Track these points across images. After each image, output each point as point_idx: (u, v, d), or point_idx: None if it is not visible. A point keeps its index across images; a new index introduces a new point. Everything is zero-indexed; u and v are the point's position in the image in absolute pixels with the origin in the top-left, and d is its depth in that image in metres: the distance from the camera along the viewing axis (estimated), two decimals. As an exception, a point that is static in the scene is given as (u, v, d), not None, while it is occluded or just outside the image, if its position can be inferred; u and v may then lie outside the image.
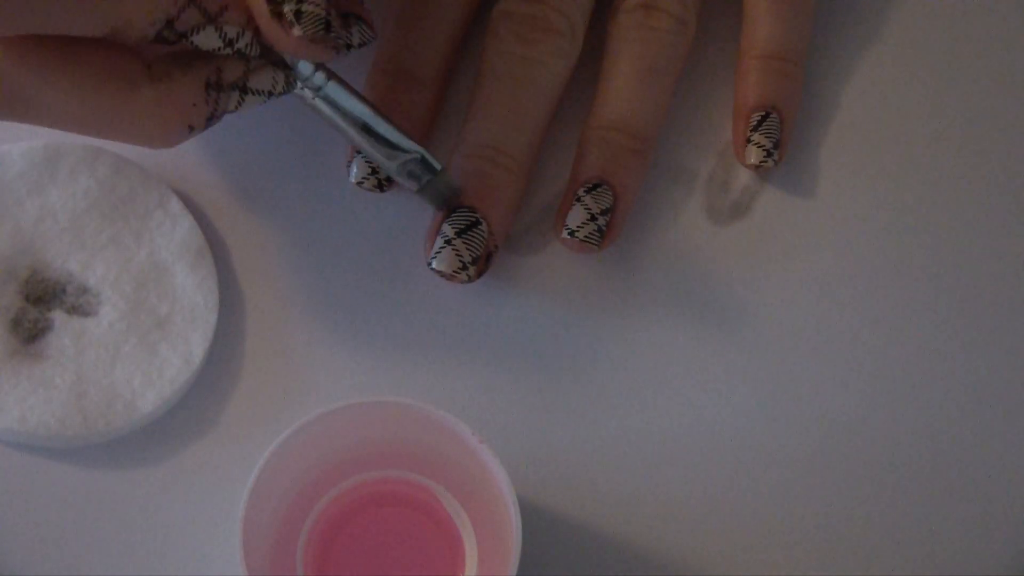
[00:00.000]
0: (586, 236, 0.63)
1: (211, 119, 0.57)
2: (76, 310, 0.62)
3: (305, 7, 0.55)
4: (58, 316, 0.62)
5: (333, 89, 0.59)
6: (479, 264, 0.62)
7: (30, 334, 0.62)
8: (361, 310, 0.64)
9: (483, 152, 0.63)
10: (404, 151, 0.61)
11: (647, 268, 0.65)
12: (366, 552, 0.60)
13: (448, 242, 0.62)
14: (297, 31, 0.55)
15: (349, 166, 0.63)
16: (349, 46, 0.58)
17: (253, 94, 0.57)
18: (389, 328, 0.64)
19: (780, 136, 0.65)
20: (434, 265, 0.62)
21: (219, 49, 0.56)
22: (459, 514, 0.60)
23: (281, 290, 0.64)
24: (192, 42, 0.55)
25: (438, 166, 0.61)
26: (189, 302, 0.62)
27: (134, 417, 0.61)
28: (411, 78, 0.64)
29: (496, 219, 0.63)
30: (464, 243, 0.62)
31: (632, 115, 0.64)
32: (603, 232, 0.63)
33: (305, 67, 0.58)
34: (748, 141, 0.65)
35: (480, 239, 0.62)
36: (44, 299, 0.62)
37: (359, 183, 0.63)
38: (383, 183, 0.63)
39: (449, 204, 0.62)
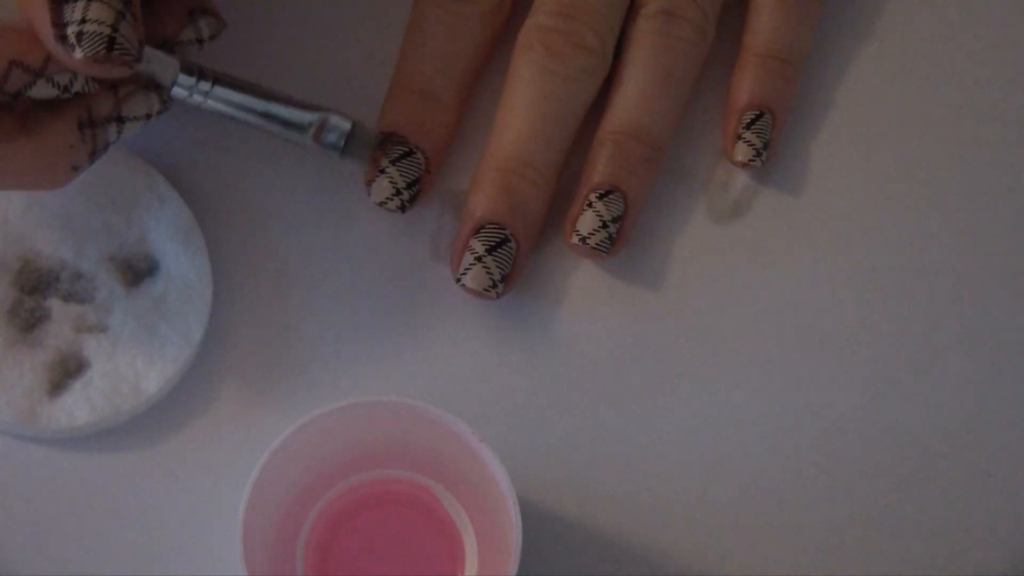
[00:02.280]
0: (597, 244, 0.63)
1: (94, 154, 0.58)
2: (72, 297, 0.62)
3: (87, 27, 0.54)
4: (55, 304, 0.62)
5: (220, 92, 0.59)
6: (507, 282, 0.62)
7: (27, 323, 0.62)
8: (360, 308, 0.64)
9: (512, 166, 0.63)
10: (308, 123, 0.61)
11: (647, 267, 0.65)
12: (366, 552, 0.60)
13: (478, 259, 0.62)
14: (78, 53, 0.54)
15: (369, 186, 0.63)
16: (200, 40, 0.59)
17: (131, 121, 0.58)
18: (389, 327, 0.64)
19: (770, 137, 0.65)
20: (465, 282, 0.62)
21: (59, 95, 0.56)
22: (459, 514, 0.60)
23: (275, 273, 0.64)
24: (30, 96, 0.56)
25: (349, 124, 0.62)
26: (183, 280, 0.63)
27: (140, 399, 0.61)
28: (432, 98, 0.64)
29: (524, 235, 0.63)
30: (494, 260, 0.62)
31: (648, 122, 0.64)
32: (613, 239, 0.63)
33: (184, 78, 0.59)
34: (739, 138, 0.65)
35: (509, 256, 0.62)
36: (39, 288, 0.62)
37: (382, 203, 0.63)
38: (405, 204, 0.63)
39: (375, 154, 0.63)
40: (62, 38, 0.54)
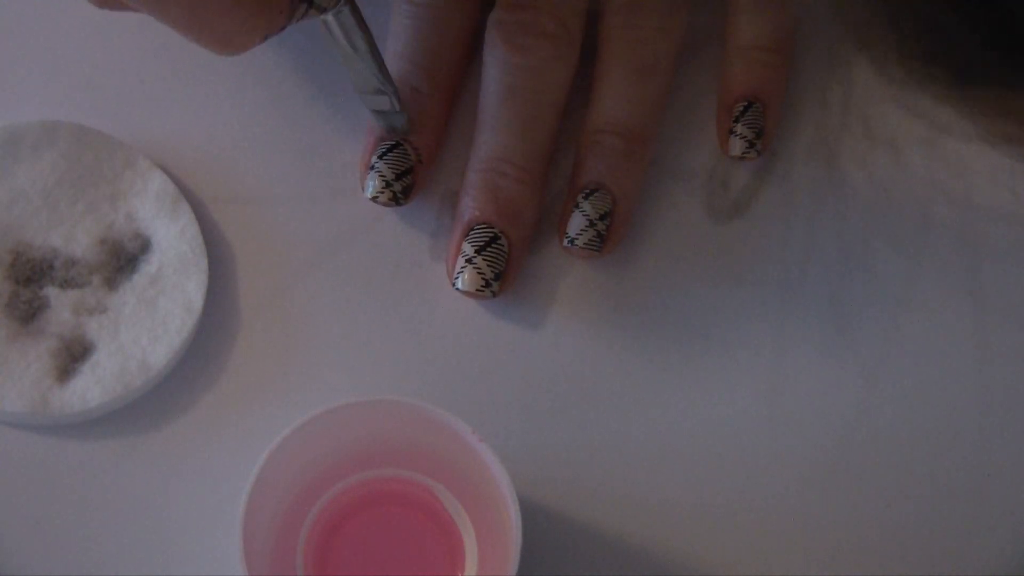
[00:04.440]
0: (586, 243, 0.63)
1: (283, 26, 0.55)
2: (68, 283, 0.63)
3: None
4: (52, 292, 0.62)
5: (347, 14, 0.58)
6: (504, 280, 0.62)
7: (26, 314, 0.62)
8: (361, 308, 0.64)
9: (492, 165, 0.63)
10: (385, 89, 0.61)
11: (647, 267, 0.65)
12: (366, 552, 0.60)
13: (469, 261, 0.62)
14: None
15: (363, 180, 0.63)
16: None
17: (316, 8, 0.56)
18: (389, 327, 0.64)
19: (763, 126, 0.65)
20: (459, 286, 0.62)
21: None
22: (459, 513, 0.60)
23: (275, 272, 0.64)
24: None
25: (399, 107, 0.62)
26: (175, 252, 0.63)
27: (150, 375, 0.61)
28: (411, 89, 0.64)
29: (514, 231, 0.63)
30: (485, 260, 0.62)
31: (625, 117, 0.64)
32: (603, 237, 0.63)
33: None
34: (731, 132, 0.65)
35: (500, 254, 0.62)
36: (34, 278, 0.63)
37: (374, 198, 0.63)
38: (398, 196, 0.63)
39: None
40: None
